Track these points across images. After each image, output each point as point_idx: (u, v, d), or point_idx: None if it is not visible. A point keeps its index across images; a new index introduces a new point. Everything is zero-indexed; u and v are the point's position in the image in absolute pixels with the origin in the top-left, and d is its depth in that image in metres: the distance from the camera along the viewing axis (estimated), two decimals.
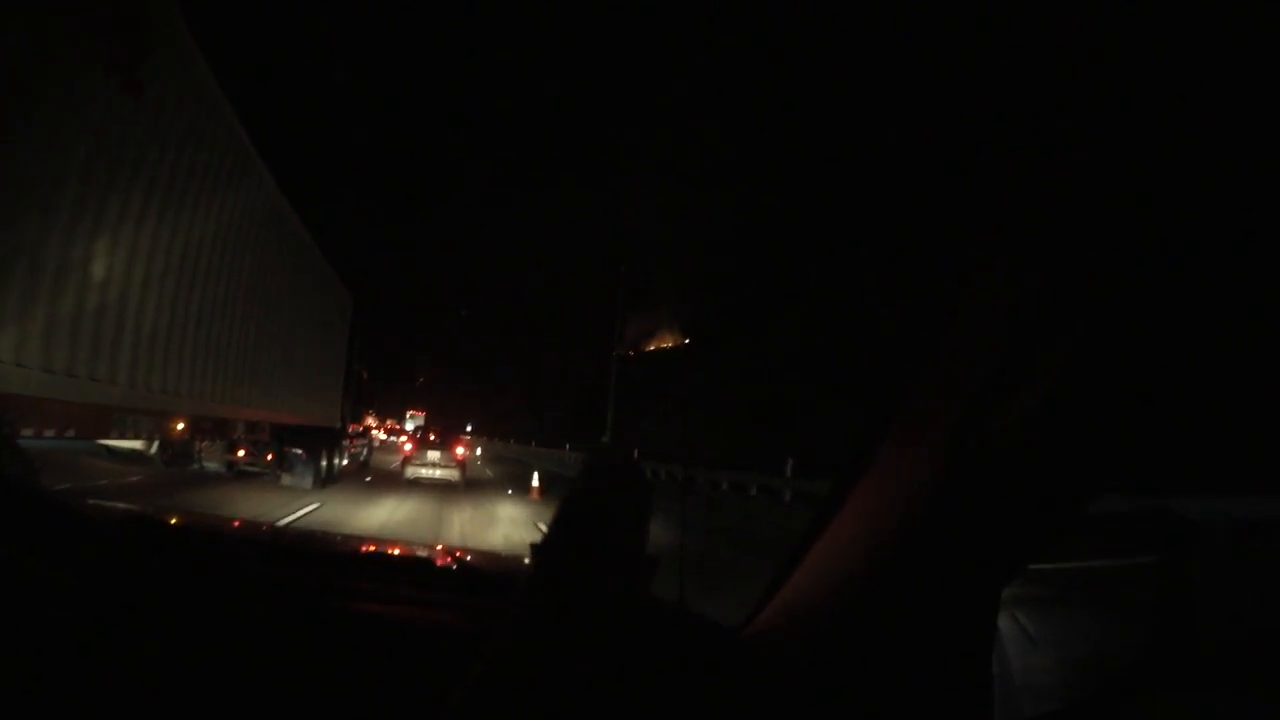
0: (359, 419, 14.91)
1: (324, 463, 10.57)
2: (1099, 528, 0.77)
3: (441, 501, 10.48)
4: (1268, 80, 0.47)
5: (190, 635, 0.90)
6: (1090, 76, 0.55)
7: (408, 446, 14.10)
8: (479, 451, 22.86)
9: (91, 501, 1.47)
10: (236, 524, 2.08)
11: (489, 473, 17.04)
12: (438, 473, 12.74)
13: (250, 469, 9.72)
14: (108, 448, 7.54)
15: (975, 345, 0.66)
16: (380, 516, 8.39)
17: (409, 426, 23.80)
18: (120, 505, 1.60)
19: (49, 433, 4.14)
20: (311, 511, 7.94)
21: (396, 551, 1.79)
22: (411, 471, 12.77)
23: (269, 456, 9.72)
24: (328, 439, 11.03)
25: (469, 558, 1.78)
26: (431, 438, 13.90)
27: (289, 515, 7.43)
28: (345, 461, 12.83)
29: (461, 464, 13.12)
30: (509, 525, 8.51)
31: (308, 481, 9.90)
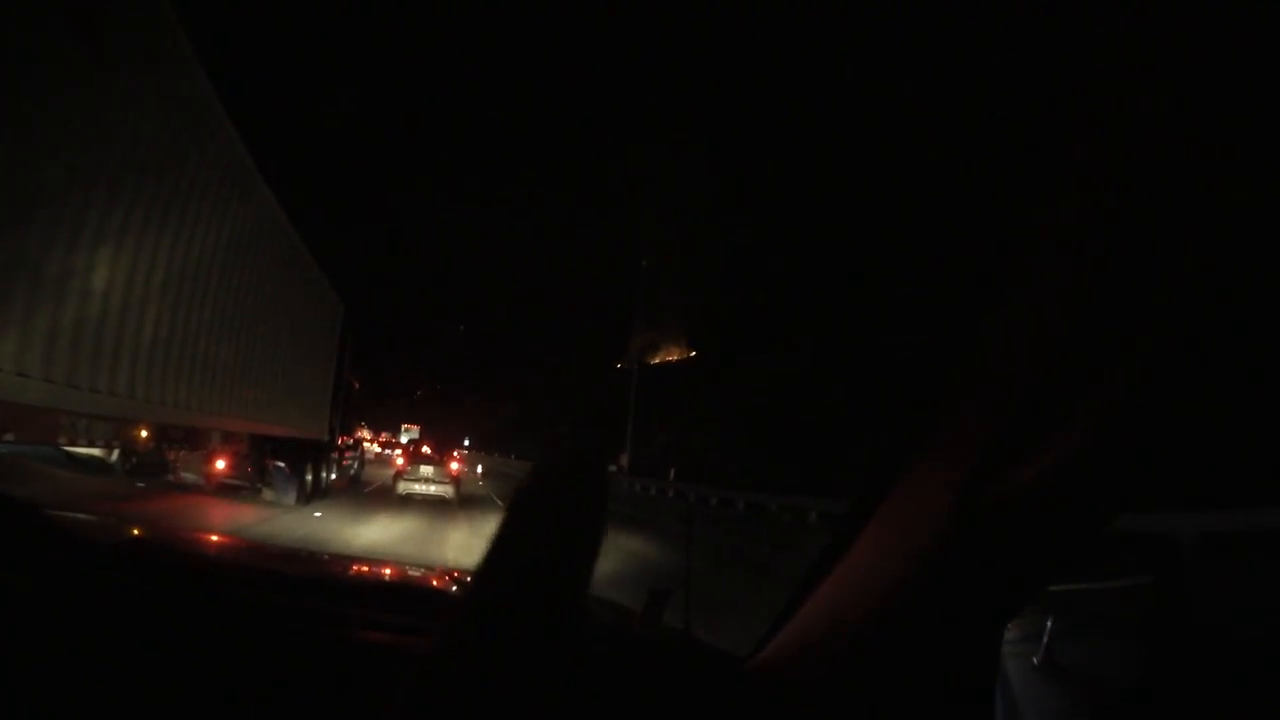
0: (350, 431, 14.45)
1: (309, 477, 10.11)
2: (1097, 551, 0.73)
3: (434, 520, 10.01)
4: None
5: (158, 659, 0.90)
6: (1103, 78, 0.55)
7: (399, 460, 13.82)
8: (480, 469, 22.26)
9: (57, 513, 1.39)
10: (214, 539, 2.06)
11: (489, 490, 16.57)
12: (431, 488, 12.47)
13: (231, 482, 9.27)
14: (69, 454, 7.10)
15: (1002, 382, 0.66)
16: (369, 537, 7.91)
17: (403, 440, 23.33)
18: (87, 517, 1.53)
19: None
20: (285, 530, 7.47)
21: (389, 573, 1.79)
22: (403, 487, 12.54)
23: (250, 469, 9.29)
24: (314, 451, 10.58)
25: (466, 579, 1.69)
26: (425, 451, 13.55)
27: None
28: (334, 476, 12.37)
29: (456, 479, 12.88)
30: None
31: (290, 497, 9.45)
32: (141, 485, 8.00)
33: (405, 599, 1.35)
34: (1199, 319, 0.53)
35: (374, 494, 13.04)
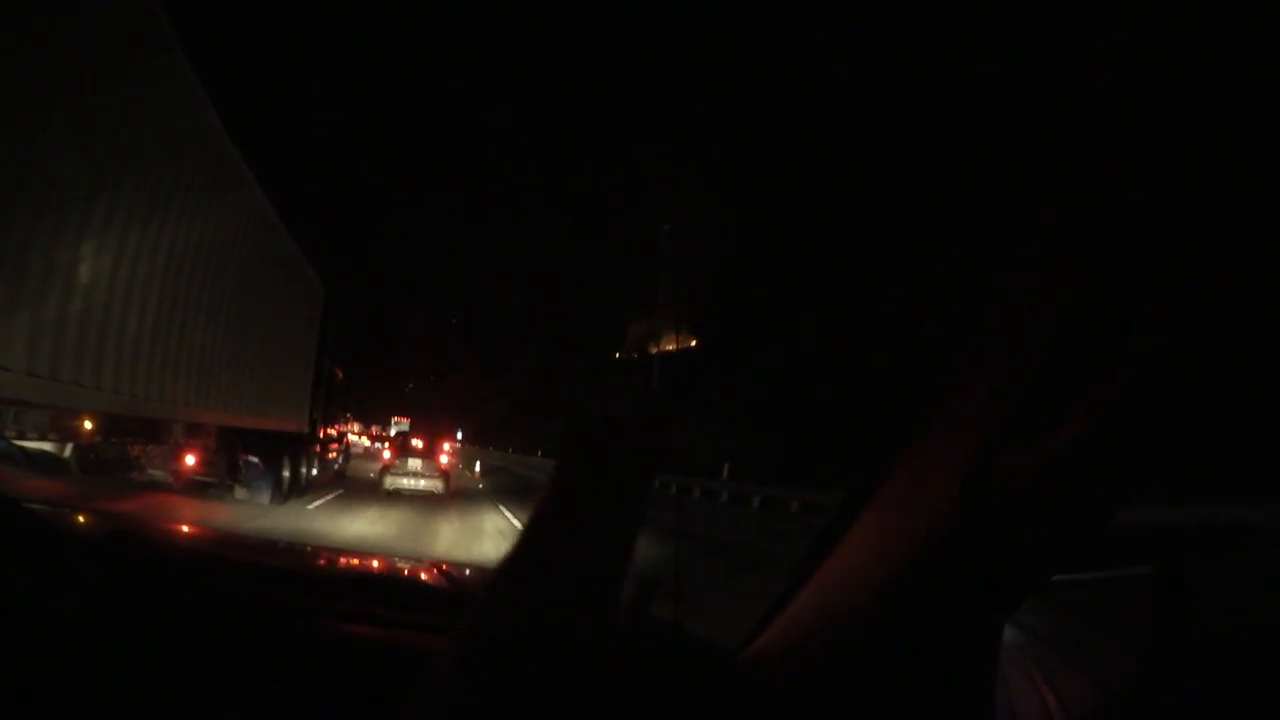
0: (334, 423, 13.85)
1: (286, 473, 9.51)
2: (1096, 541, 0.68)
3: (423, 523, 9.43)
4: None
5: (144, 653, 0.92)
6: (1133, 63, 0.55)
7: (387, 454, 13.47)
8: (479, 468, 21.52)
9: (38, 507, 1.30)
10: (201, 533, 2.09)
11: (493, 495, 15.97)
12: (420, 483, 12.17)
13: (202, 479, 8.68)
14: (23, 449, 6.54)
15: (1005, 366, 0.65)
16: (351, 540, 7.33)
17: (393, 433, 22.72)
18: (68, 511, 1.57)
19: None
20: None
21: (378, 566, 1.81)
22: (391, 482, 12.21)
23: (220, 465, 8.69)
24: (292, 445, 9.98)
25: (456, 573, 1.63)
26: (414, 444, 13.11)
27: None
28: (316, 471, 11.78)
29: (446, 473, 12.54)
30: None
31: (265, 495, 8.86)
32: (94, 482, 7.39)
33: (392, 592, 1.34)
34: (1207, 304, 0.53)
35: (359, 490, 12.46)
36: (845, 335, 18.94)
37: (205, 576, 1.16)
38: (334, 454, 14.06)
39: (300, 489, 10.43)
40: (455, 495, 13.07)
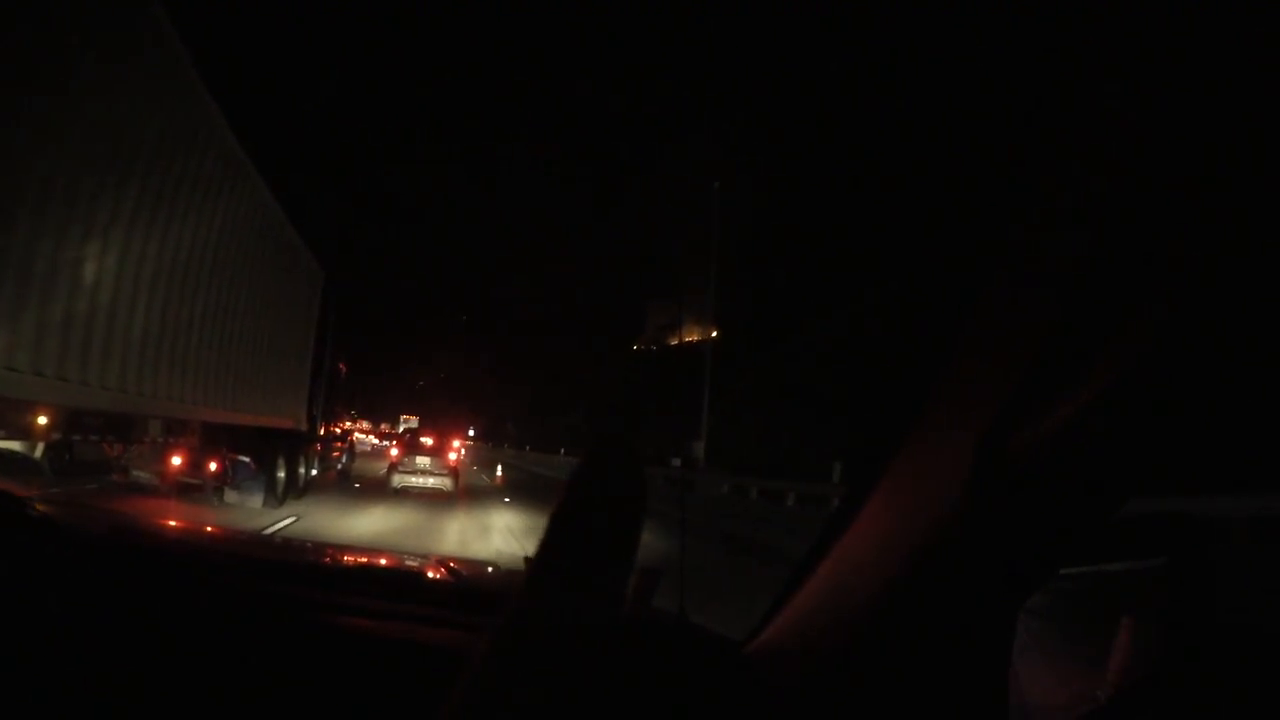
0: (336, 420, 13.35)
1: (281, 473, 8.97)
2: (1110, 530, 0.71)
3: (431, 529, 8.88)
4: None
5: (157, 651, 0.93)
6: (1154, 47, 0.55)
7: (394, 451, 13.33)
8: (499, 472, 20.93)
9: (40, 503, 1.29)
10: (210, 531, 2.28)
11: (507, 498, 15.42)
12: (429, 481, 12.12)
13: (191, 481, 8.15)
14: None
15: (1008, 341, 0.65)
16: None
17: (400, 430, 22.40)
18: (82, 510, 1.62)
19: None
20: None
21: (384, 562, 1.85)
22: (398, 480, 12.11)
23: (212, 466, 8.15)
24: (288, 444, 9.44)
25: (463, 570, 1.61)
26: (423, 442, 12.84)
27: None
28: (315, 471, 11.27)
29: (455, 471, 12.46)
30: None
31: (257, 498, 8.33)
32: (68, 485, 6.88)
33: (393, 586, 1.36)
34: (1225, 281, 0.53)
35: (364, 492, 11.95)
36: (871, 323, 18.47)
37: (204, 571, 1.19)
38: (337, 453, 13.59)
39: (298, 490, 9.91)
40: (466, 494, 12.72)
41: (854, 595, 0.78)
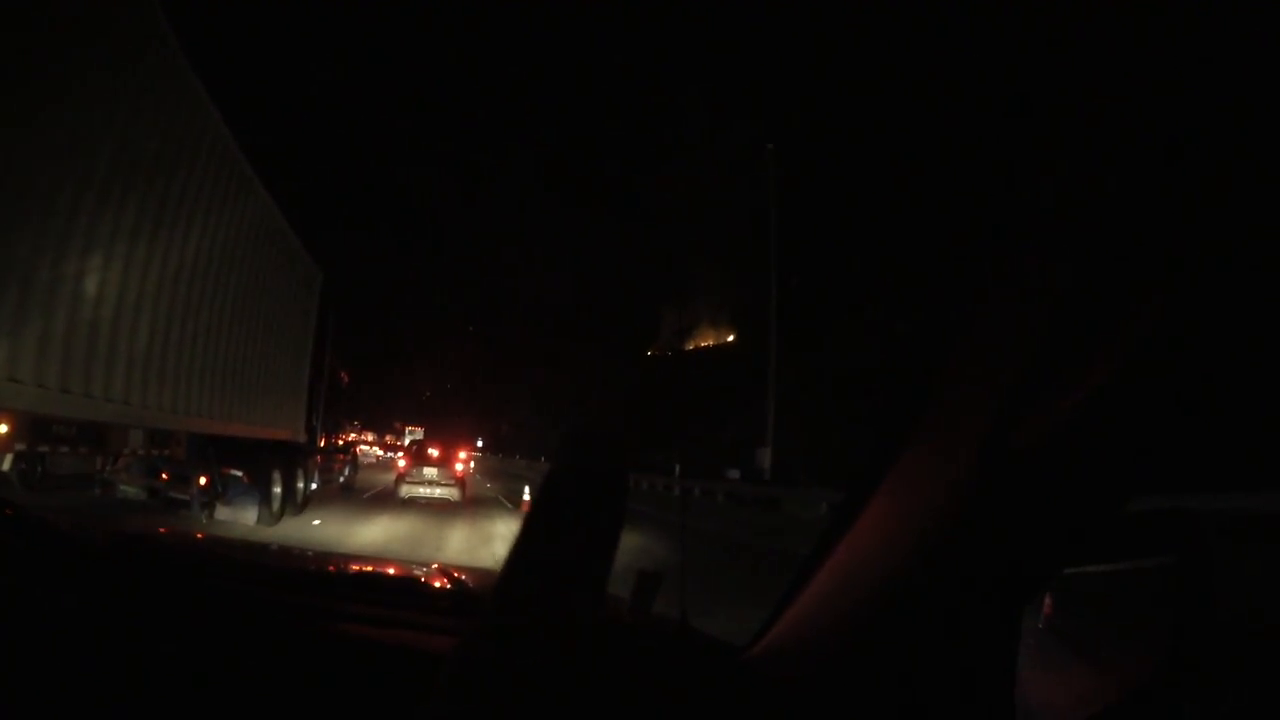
0: (338, 432, 12.95)
1: (277, 488, 8.50)
2: (1113, 528, 0.73)
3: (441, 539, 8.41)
4: None
5: (166, 655, 0.96)
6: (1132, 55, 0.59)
7: (402, 463, 13.55)
8: (527, 496, 20.72)
9: (44, 511, 1.31)
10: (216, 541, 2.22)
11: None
12: (436, 491, 12.39)
13: (177, 497, 7.71)
14: None
15: (1011, 336, 0.67)
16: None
17: (406, 442, 22.25)
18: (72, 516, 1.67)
19: None
20: None
21: (386, 570, 1.87)
22: (407, 490, 12.34)
23: (201, 480, 7.68)
24: (286, 456, 8.98)
25: (464, 577, 1.61)
26: (431, 453, 13.06)
27: None
28: (316, 485, 10.81)
29: (462, 481, 12.77)
30: None
31: (250, 515, 7.85)
32: (40, 501, 6.43)
33: (394, 593, 1.37)
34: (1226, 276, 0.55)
35: (368, 505, 11.53)
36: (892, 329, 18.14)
37: (205, 577, 1.22)
38: (339, 465, 13.18)
39: (297, 505, 9.44)
40: (472, 504, 12.79)
41: (856, 596, 0.79)
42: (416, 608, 1.23)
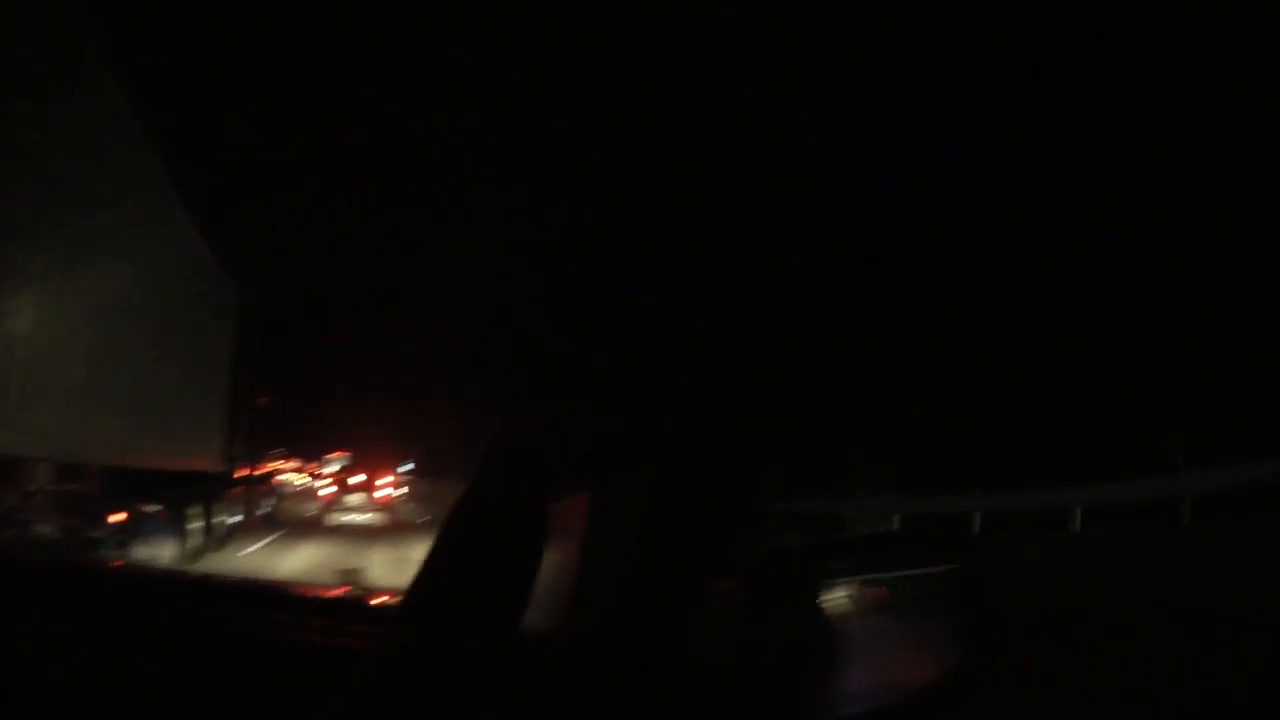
0: (259, 461, 12.76)
1: (198, 524, 8.39)
2: (902, 540, 0.89)
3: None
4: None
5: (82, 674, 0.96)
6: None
7: (324, 491, 14.21)
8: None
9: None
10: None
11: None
12: (363, 517, 12.95)
13: (91, 535, 7.52)
14: None
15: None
16: None
17: (329, 470, 21.88)
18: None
19: None
20: None
21: (304, 591, 1.90)
22: (332, 519, 12.89)
23: (113, 517, 7.53)
24: (204, 489, 8.84)
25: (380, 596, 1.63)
26: (354, 480, 13.63)
27: None
28: (239, 518, 10.64)
29: (388, 505, 13.29)
30: None
31: (168, 552, 7.73)
32: None
33: (308, 606, 1.41)
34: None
35: (293, 536, 11.39)
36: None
37: (143, 596, 1.23)
38: (262, 495, 12.95)
39: (219, 540, 9.30)
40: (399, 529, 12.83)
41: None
42: (328, 616, 1.26)
